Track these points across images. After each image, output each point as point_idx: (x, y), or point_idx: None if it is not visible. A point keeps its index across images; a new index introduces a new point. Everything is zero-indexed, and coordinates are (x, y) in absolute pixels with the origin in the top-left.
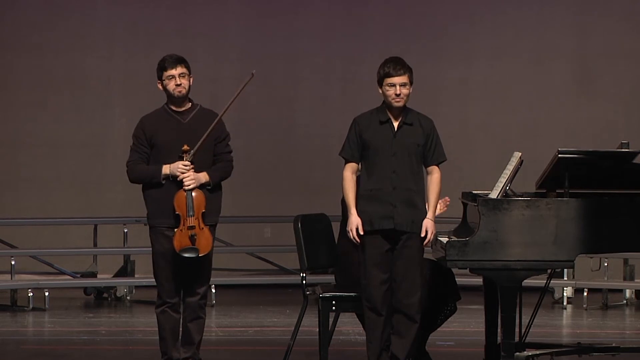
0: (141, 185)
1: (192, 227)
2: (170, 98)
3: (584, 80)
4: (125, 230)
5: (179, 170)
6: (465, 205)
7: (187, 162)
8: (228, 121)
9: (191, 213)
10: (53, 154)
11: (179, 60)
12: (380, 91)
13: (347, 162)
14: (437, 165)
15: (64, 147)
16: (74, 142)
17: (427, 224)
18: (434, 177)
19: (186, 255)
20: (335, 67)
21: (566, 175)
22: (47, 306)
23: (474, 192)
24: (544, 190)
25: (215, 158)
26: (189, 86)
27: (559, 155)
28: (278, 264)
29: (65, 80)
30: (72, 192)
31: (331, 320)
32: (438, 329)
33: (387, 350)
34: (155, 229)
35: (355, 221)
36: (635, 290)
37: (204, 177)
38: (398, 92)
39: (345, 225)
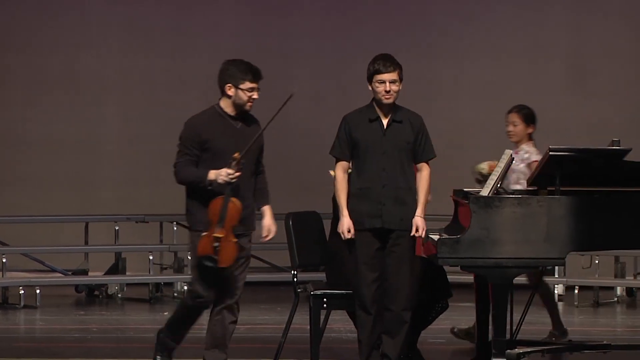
0: (186, 188)
1: (217, 238)
2: (234, 105)
3: (577, 79)
4: (117, 228)
5: (222, 178)
6: (456, 202)
7: (231, 170)
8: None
9: (221, 224)
10: (45, 152)
11: (261, 74)
12: (370, 88)
13: (337, 160)
14: (427, 162)
15: (57, 145)
16: (67, 140)
17: (417, 221)
18: (423, 174)
19: (204, 263)
20: (329, 65)
21: (557, 172)
22: (38, 304)
23: (465, 189)
24: (536, 188)
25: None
26: None
27: (550, 153)
28: (270, 262)
29: (59, 78)
30: (64, 190)
31: (322, 317)
32: (429, 326)
33: (378, 349)
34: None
35: (347, 223)
36: (626, 288)
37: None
38: (388, 89)
39: (336, 223)
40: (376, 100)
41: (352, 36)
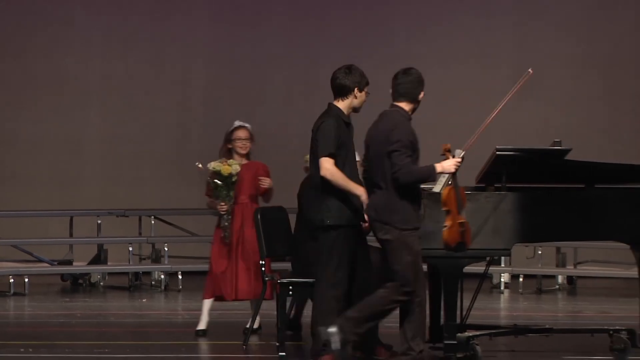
0: (392, 191)
1: (462, 224)
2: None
3: (524, 84)
4: (99, 222)
5: (453, 167)
6: None
7: (460, 160)
8: (196, 120)
9: (461, 210)
10: (33, 152)
11: None
12: (358, 94)
13: (329, 157)
14: None
15: (44, 145)
16: (53, 140)
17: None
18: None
19: (460, 249)
20: (297, 70)
21: (503, 170)
22: (26, 291)
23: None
24: (483, 185)
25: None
26: None
27: (497, 153)
28: None
29: (45, 82)
30: (50, 187)
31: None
32: None
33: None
34: (413, 232)
35: (362, 189)
36: (567, 276)
37: None
38: None
39: (301, 218)
40: (355, 107)
41: (318, 44)
